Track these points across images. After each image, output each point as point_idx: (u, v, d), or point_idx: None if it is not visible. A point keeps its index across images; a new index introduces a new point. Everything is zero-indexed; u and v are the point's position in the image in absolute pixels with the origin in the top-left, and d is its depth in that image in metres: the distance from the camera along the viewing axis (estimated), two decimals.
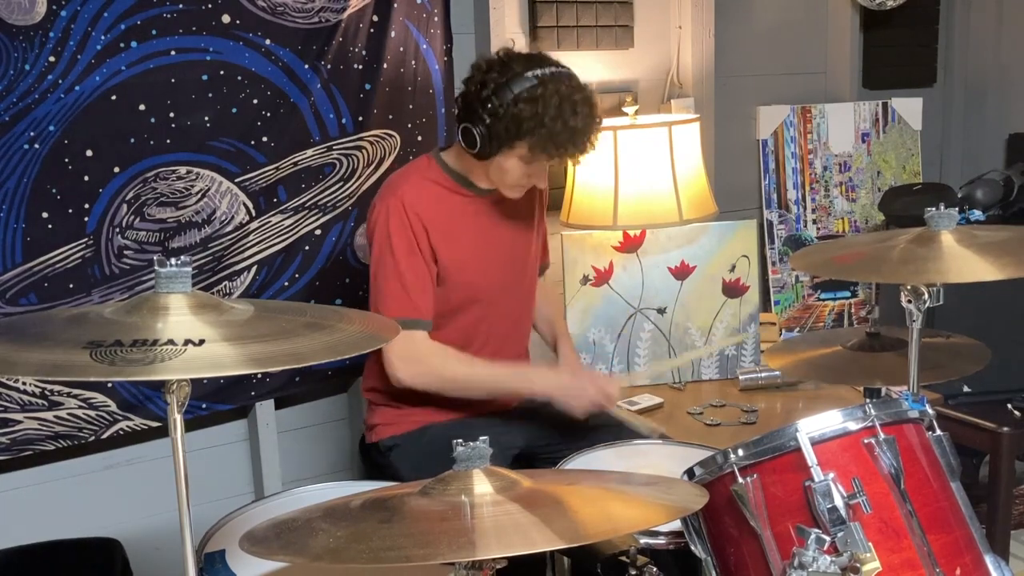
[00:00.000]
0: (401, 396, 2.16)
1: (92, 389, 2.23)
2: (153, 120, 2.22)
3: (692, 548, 1.50)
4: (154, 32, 2.19)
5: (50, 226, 2.15)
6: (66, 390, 2.21)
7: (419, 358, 2.05)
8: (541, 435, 2.21)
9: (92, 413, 2.25)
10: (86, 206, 2.18)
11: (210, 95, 2.28)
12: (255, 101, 2.34)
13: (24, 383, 2.16)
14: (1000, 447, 2.49)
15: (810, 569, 1.31)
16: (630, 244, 2.78)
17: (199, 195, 2.31)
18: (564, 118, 1.94)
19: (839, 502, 1.33)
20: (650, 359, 2.81)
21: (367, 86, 2.49)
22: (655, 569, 1.50)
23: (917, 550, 1.36)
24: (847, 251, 1.88)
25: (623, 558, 1.52)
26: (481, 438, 1.25)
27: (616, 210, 2.68)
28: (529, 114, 1.93)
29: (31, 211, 2.12)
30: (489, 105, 1.95)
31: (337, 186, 2.49)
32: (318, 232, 2.49)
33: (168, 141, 2.24)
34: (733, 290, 2.83)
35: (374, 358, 2.18)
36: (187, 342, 1.17)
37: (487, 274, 2.15)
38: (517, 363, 2.28)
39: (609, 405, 2.12)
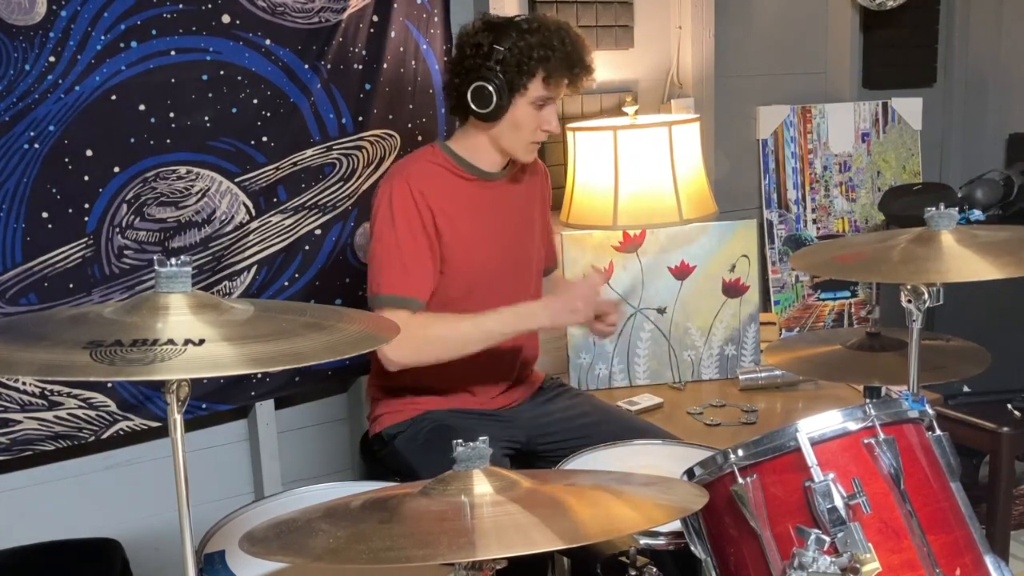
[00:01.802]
0: (402, 388, 2.16)
1: (92, 389, 2.23)
2: (153, 120, 2.22)
3: (692, 548, 1.50)
4: (154, 32, 2.19)
5: (50, 226, 2.15)
6: (66, 390, 2.21)
7: (404, 333, 1.98)
8: (541, 434, 2.21)
9: (92, 413, 2.25)
10: (86, 206, 2.18)
11: (210, 95, 2.28)
12: (255, 101, 2.34)
13: (24, 383, 2.16)
14: (1000, 447, 2.49)
15: (810, 569, 1.31)
16: (630, 244, 2.78)
17: (199, 195, 2.31)
18: (569, 37, 2.04)
19: (839, 502, 1.33)
20: (650, 359, 2.81)
21: (367, 86, 2.49)
22: (655, 569, 1.50)
23: (917, 550, 1.35)
24: (847, 251, 1.88)
25: (623, 558, 1.52)
26: (481, 438, 1.25)
27: (616, 210, 2.68)
28: (538, 41, 2.00)
29: (31, 211, 2.12)
30: (494, 54, 2.01)
31: (337, 186, 2.49)
32: (318, 232, 2.49)
33: (168, 141, 2.24)
34: (733, 290, 2.83)
35: (375, 355, 2.19)
36: (187, 342, 1.17)
37: (491, 258, 2.15)
38: (528, 347, 2.27)
39: (597, 298, 2.11)
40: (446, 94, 2.14)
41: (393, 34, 2.50)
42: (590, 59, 2.08)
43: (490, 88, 2.02)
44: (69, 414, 2.22)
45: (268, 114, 2.36)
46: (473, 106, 2.05)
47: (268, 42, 2.33)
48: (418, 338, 2.01)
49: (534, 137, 2.10)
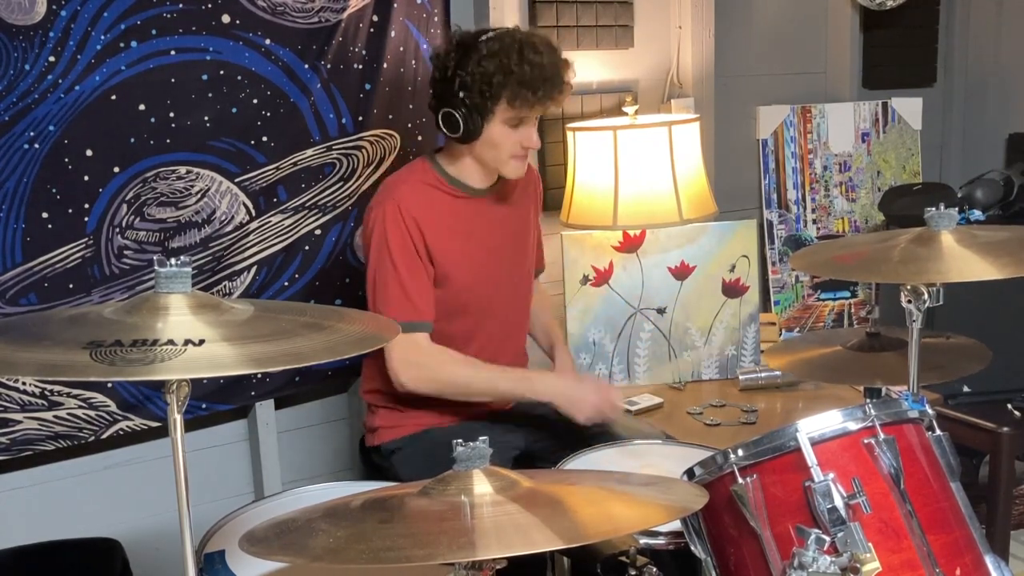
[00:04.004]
0: (402, 399, 2.16)
1: (92, 389, 2.23)
2: (153, 120, 2.22)
3: (692, 548, 1.50)
4: (154, 32, 2.19)
5: (50, 226, 2.15)
6: (66, 390, 2.21)
7: (421, 362, 2.05)
8: (541, 436, 2.21)
9: (92, 413, 2.25)
10: (86, 206, 2.18)
11: (210, 95, 2.28)
12: (255, 101, 2.34)
13: (24, 383, 2.16)
14: (1000, 447, 2.49)
15: (810, 569, 1.31)
16: (630, 244, 2.78)
17: (199, 195, 2.31)
18: (528, 58, 1.98)
19: (839, 502, 1.33)
20: (650, 359, 2.81)
21: (367, 86, 2.49)
22: (655, 569, 1.50)
23: (917, 550, 1.35)
24: (847, 251, 1.88)
25: (623, 558, 1.52)
26: (481, 438, 1.25)
27: (616, 210, 2.68)
28: (495, 67, 1.97)
29: (31, 211, 2.12)
30: (458, 81, 1.99)
31: (337, 186, 2.49)
32: (318, 232, 2.49)
33: (168, 141, 2.24)
34: (733, 290, 2.83)
35: (373, 360, 2.18)
36: (187, 342, 1.17)
37: (484, 275, 2.15)
38: (518, 366, 2.28)
39: (612, 414, 2.11)
40: (432, 112, 2.13)
41: (393, 34, 2.50)
42: (558, 76, 2.02)
43: (457, 115, 2.01)
44: (69, 414, 2.22)
45: (268, 114, 2.36)
46: (447, 132, 2.06)
47: (268, 42, 2.33)
48: (436, 372, 2.07)
49: (514, 153, 2.08)
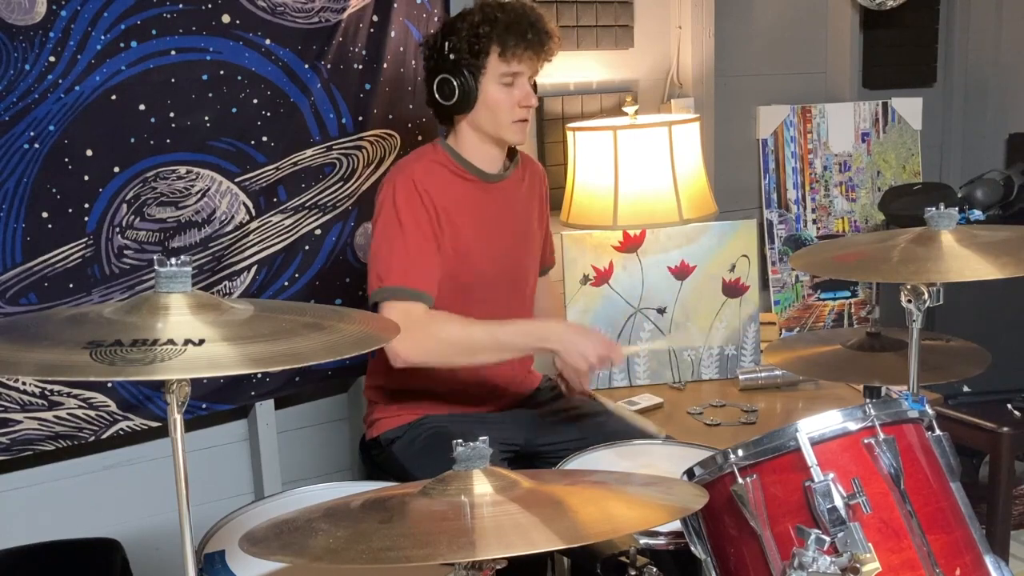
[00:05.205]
0: (401, 392, 2.16)
1: (92, 389, 2.23)
2: (153, 120, 2.22)
3: (692, 548, 1.50)
4: (154, 32, 2.19)
5: (50, 226, 2.15)
6: (66, 390, 2.21)
7: (415, 329, 1.96)
8: (541, 434, 2.21)
9: (92, 413, 2.25)
10: (86, 206, 2.18)
11: (210, 95, 2.28)
12: (255, 101, 2.34)
13: (24, 383, 2.16)
14: (1000, 447, 2.49)
15: (810, 569, 1.31)
16: (630, 244, 2.78)
17: (199, 195, 2.31)
18: (510, 7, 2.05)
19: (839, 502, 1.33)
20: (650, 359, 2.81)
21: (367, 86, 2.49)
22: (655, 569, 1.50)
23: (917, 550, 1.35)
24: (847, 251, 1.88)
25: (623, 558, 1.52)
26: (481, 438, 1.25)
27: (616, 210, 2.68)
28: (480, 18, 2.03)
29: (31, 211, 2.12)
30: (447, 45, 2.05)
31: (337, 186, 2.49)
32: (318, 232, 2.49)
33: (168, 141, 2.24)
34: (733, 290, 2.83)
35: (378, 356, 2.18)
36: (187, 342, 1.17)
37: (488, 261, 2.15)
38: (518, 362, 2.27)
39: (617, 360, 2.10)
40: (428, 103, 2.14)
41: (393, 34, 2.50)
42: (543, 23, 2.06)
43: (452, 79, 2.05)
44: (69, 414, 2.22)
45: (268, 114, 2.36)
46: (444, 101, 2.07)
47: (268, 42, 2.33)
48: (432, 337, 2.00)
49: (513, 116, 2.09)
